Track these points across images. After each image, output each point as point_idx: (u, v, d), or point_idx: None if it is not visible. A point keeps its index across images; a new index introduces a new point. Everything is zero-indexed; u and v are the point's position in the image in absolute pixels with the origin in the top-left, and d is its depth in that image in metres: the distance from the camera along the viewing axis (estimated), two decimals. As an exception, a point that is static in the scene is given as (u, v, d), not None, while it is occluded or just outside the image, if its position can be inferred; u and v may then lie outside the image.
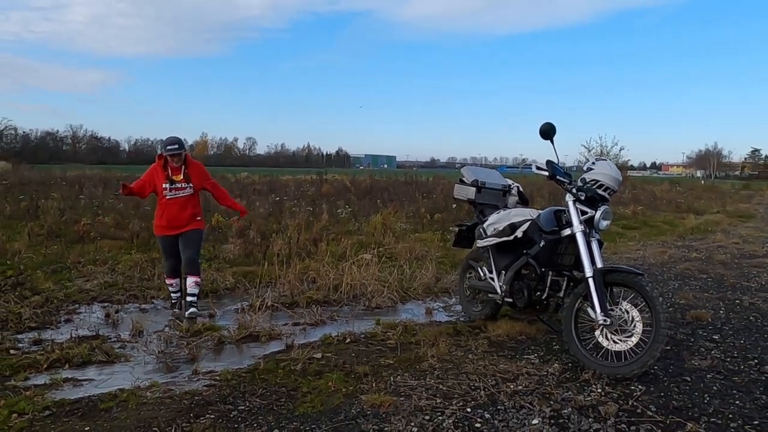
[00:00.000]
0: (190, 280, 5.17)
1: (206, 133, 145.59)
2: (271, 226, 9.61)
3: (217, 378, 3.65)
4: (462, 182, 5.20)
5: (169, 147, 5.17)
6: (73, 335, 4.37)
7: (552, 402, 3.28)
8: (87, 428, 2.93)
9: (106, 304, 5.39)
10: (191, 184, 5.30)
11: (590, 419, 3.07)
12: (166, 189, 5.22)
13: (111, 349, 4.09)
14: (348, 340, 4.42)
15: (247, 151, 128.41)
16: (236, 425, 2.98)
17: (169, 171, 5.23)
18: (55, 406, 3.18)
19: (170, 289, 5.47)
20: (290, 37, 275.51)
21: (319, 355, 4.05)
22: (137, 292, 5.78)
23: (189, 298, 5.14)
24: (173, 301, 5.43)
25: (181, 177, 5.26)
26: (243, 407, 3.21)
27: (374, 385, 3.53)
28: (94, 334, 4.46)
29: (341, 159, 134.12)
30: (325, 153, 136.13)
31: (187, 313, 5.02)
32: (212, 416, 3.08)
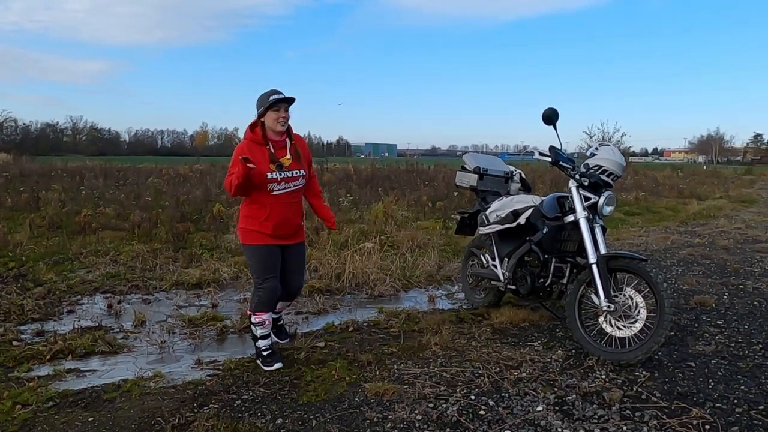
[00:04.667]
0: (282, 303, 3.98)
1: (206, 123, 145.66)
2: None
3: (221, 367, 3.65)
4: (464, 169, 5.16)
5: (274, 96, 3.46)
6: (76, 326, 4.37)
7: (556, 389, 3.27)
8: (90, 419, 2.93)
9: (108, 295, 5.38)
10: (303, 171, 3.65)
11: (595, 405, 3.06)
12: (274, 180, 3.48)
13: (114, 340, 4.09)
14: (351, 329, 4.41)
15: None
16: (240, 414, 2.98)
17: (271, 148, 3.54)
18: (58, 397, 3.18)
19: (259, 331, 3.64)
20: (293, 24, 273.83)
21: (322, 344, 4.05)
22: (139, 282, 5.77)
23: (280, 320, 4.09)
24: (264, 350, 3.66)
25: (290, 159, 3.57)
26: (247, 396, 3.20)
27: (378, 373, 3.53)
28: (97, 324, 4.45)
29: (342, 147, 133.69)
30: (325, 141, 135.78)
31: (283, 341, 3.99)
32: (216, 406, 3.08)
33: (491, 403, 3.10)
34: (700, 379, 3.44)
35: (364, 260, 6.04)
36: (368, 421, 2.90)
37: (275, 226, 3.57)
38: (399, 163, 25.83)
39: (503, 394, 3.21)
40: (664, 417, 2.92)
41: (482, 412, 2.99)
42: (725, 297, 5.36)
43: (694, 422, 2.85)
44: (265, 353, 3.67)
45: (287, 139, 3.61)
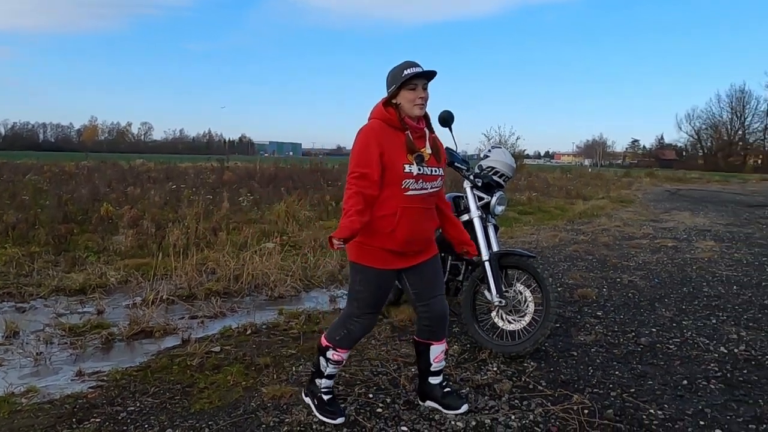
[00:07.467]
0: (439, 349, 3.00)
1: (96, 117, 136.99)
2: (167, 216, 9.13)
3: (105, 378, 3.41)
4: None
5: (410, 70, 2.66)
6: (-66, 340, 3.91)
7: (451, 382, 3.37)
8: (-52, 443, 2.63)
9: (-26, 304, 4.86)
10: (442, 171, 2.85)
11: (486, 397, 3.19)
12: (410, 175, 2.67)
13: (-20, 354, 3.70)
14: (249, 332, 4.29)
15: (143, 137, 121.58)
16: (125, 428, 2.79)
17: (410, 134, 2.73)
18: None
19: (330, 368, 2.89)
20: (194, 16, 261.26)
21: (217, 349, 3.91)
22: (12, 289, 5.25)
23: (435, 379, 3.03)
24: (326, 392, 2.93)
25: (430, 152, 2.79)
26: (133, 408, 3.02)
27: (275, 376, 3.46)
28: (-40, 337, 4.01)
29: (245, 146, 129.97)
30: (227, 139, 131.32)
31: (460, 409, 2.97)
32: (98, 420, 2.87)
33: (388, 400, 3.14)
34: (581, 366, 3.69)
35: (265, 261, 5.90)
36: (264, 425, 2.83)
37: (406, 241, 2.71)
38: (303, 163, 25.60)
39: (400, 391, 3.26)
40: (549, 404, 3.11)
41: (379, 410, 3.02)
42: (605, 290, 5.80)
43: (575, 407, 3.06)
44: (326, 396, 2.90)
45: (425, 129, 2.82)
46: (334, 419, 2.84)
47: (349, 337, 2.84)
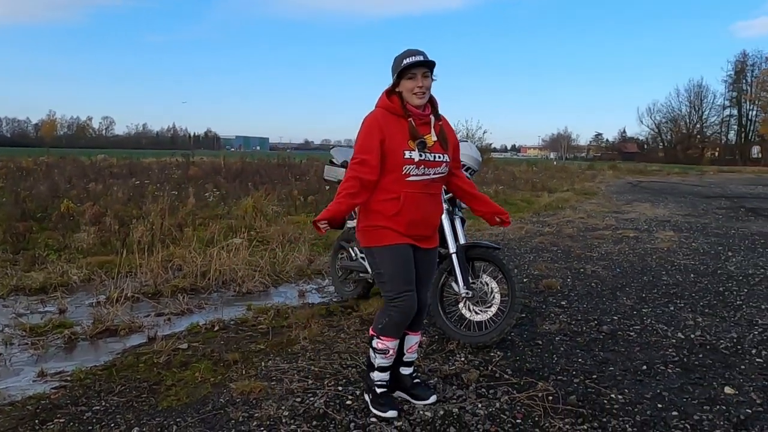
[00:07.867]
0: (414, 340, 3.08)
1: (54, 111, 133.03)
2: (131, 212, 8.95)
3: (68, 378, 3.34)
4: (332, 163, 5.20)
5: (409, 59, 2.69)
6: None
7: (420, 373, 3.42)
8: None
9: (-72, 306, 4.69)
10: (447, 158, 2.87)
11: (454, 387, 3.25)
12: (411, 161, 2.72)
13: (-65, 356, 3.58)
14: (217, 328, 4.26)
15: (104, 132, 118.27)
16: (90, 427, 2.75)
17: (413, 121, 2.79)
18: None
19: (379, 360, 2.90)
20: (156, 7, 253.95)
21: (185, 346, 3.87)
22: (-31, 289, 5.09)
23: (406, 369, 3.08)
24: (379, 385, 2.94)
25: (435, 139, 2.83)
26: (98, 407, 2.97)
27: (244, 372, 3.45)
28: None
29: (210, 140, 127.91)
30: (192, 134, 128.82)
31: (429, 400, 3.01)
32: (62, 420, 2.82)
33: (358, 392, 3.16)
34: (546, 355, 3.79)
35: (232, 257, 5.85)
36: (233, 421, 2.83)
37: (409, 224, 2.76)
38: (270, 157, 25.38)
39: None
40: (515, 392, 3.18)
41: (349, 402, 3.04)
42: (569, 280, 5.94)
43: (540, 394, 3.14)
44: (378, 390, 2.91)
45: (431, 116, 2.84)
46: (385, 412, 2.85)
47: (391, 324, 2.83)
